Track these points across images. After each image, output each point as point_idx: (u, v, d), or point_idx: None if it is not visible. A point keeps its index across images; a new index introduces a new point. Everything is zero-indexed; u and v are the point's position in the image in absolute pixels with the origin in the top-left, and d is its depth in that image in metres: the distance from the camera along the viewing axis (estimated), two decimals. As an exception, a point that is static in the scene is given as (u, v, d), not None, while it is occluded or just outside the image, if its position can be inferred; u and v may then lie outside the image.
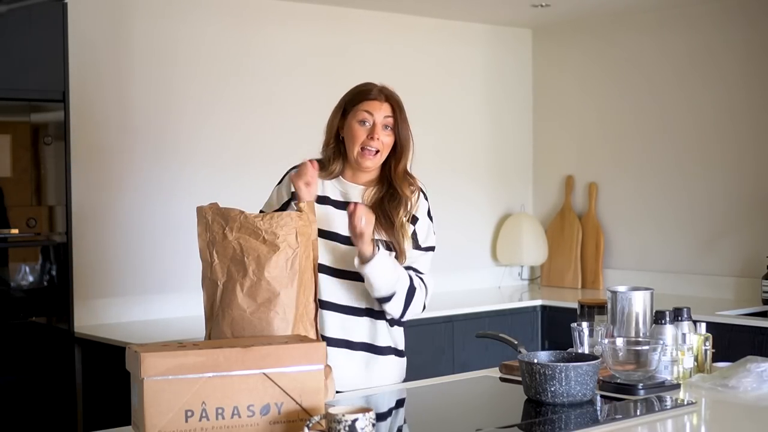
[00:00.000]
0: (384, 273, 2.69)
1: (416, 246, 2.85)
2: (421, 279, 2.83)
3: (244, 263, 2.37)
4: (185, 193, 4.50)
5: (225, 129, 4.68)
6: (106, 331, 4.11)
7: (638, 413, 2.40)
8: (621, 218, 5.51)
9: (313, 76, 4.93)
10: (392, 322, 2.85)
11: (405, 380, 2.90)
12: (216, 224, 2.43)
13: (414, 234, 2.84)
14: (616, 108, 5.50)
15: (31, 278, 3.87)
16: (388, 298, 2.73)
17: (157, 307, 4.46)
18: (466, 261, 5.59)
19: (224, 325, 2.39)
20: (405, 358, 2.92)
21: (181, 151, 4.56)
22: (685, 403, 2.50)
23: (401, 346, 2.91)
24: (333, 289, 2.76)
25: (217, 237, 2.42)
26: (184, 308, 4.44)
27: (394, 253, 2.77)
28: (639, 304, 2.85)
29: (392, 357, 2.85)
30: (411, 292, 2.76)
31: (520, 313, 5.06)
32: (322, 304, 2.72)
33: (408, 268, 2.81)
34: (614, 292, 2.87)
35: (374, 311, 2.80)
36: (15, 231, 3.80)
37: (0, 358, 3.77)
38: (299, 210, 2.47)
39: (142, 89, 4.45)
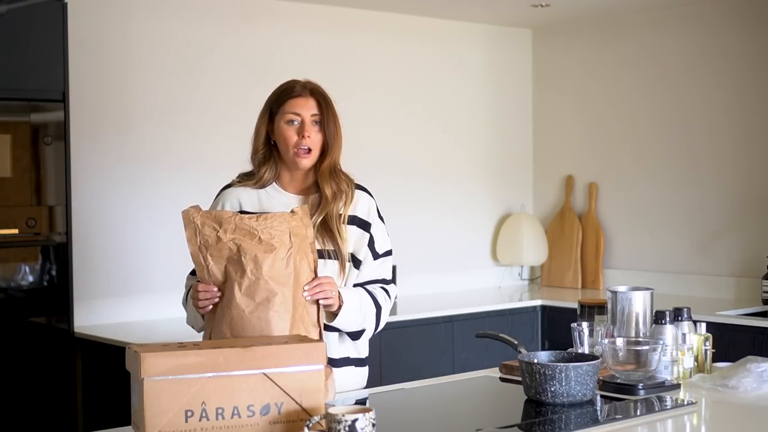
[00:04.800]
0: (351, 317, 2.61)
1: (375, 254, 2.72)
2: (386, 291, 2.73)
3: (242, 263, 2.39)
4: (185, 193, 4.49)
5: (226, 128, 4.68)
6: (106, 331, 4.11)
7: (638, 413, 2.40)
8: (621, 218, 5.51)
9: (313, 76, 4.91)
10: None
11: (404, 381, 2.88)
12: (207, 228, 2.43)
13: (371, 241, 2.71)
14: (616, 108, 5.50)
15: (30, 278, 3.87)
16: (358, 334, 2.67)
17: (157, 307, 4.46)
18: (466, 261, 5.58)
19: (223, 325, 2.40)
20: (366, 368, 2.77)
21: (181, 151, 4.56)
22: (685, 403, 2.50)
23: (363, 355, 2.76)
24: None
25: (210, 240, 2.43)
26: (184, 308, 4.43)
27: (359, 289, 2.65)
28: (639, 304, 2.85)
29: (350, 368, 2.71)
30: (378, 315, 2.68)
31: (520, 313, 5.06)
32: None
33: (371, 281, 2.71)
34: (614, 292, 2.87)
35: (325, 325, 2.60)
36: (15, 231, 3.80)
37: (0, 358, 3.77)
38: (293, 213, 2.48)
39: (143, 89, 4.45)
